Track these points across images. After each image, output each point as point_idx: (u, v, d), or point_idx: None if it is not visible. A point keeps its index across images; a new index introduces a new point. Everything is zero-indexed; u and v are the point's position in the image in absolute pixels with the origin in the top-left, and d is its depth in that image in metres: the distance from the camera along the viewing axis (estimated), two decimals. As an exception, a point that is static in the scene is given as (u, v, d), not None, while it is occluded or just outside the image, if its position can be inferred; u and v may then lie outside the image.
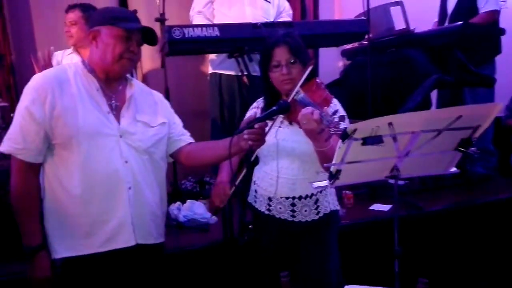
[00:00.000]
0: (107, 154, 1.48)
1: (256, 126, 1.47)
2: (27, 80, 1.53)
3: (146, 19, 3.41)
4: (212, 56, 3.23)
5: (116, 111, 1.53)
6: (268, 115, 1.51)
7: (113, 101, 1.54)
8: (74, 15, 2.62)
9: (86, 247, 1.48)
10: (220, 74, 3.17)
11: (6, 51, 3.25)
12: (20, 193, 1.46)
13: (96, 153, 1.46)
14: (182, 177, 3.40)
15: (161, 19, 2.90)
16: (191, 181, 3.45)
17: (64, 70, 1.52)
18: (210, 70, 3.26)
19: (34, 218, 1.47)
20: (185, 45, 2.59)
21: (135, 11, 2.60)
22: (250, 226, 1.52)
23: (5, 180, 2.08)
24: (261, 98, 1.81)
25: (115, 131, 1.51)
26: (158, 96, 1.74)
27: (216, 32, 2.57)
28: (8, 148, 1.46)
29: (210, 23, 3.01)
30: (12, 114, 1.98)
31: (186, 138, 1.74)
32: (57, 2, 3.34)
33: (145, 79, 3.66)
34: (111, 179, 1.48)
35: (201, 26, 2.57)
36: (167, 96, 3.03)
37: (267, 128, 1.49)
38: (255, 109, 1.80)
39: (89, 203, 1.47)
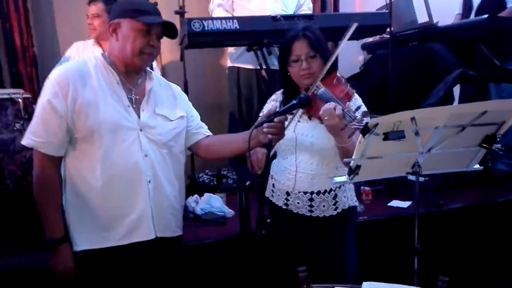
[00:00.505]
0: (127, 147, 1.48)
1: (275, 119, 1.47)
2: (49, 72, 1.55)
3: (165, 12, 3.40)
4: (230, 50, 3.22)
5: (135, 104, 1.54)
6: (288, 108, 1.50)
7: (132, 95, 1.54)
8: (96, 7, 2.63)
9: (107, 240, 1.49)
10: (238, 67, 3.16)
11: (28, 43, 3.30)
12: (42, 186, 1.48)
13: (117, 147, 1.47)
14: (200, 170, 3.42)
15: (181, 12, 2.90)
16: (208, 175, 3.47)
17: (85, 63, 1.53)
18: (229, 64, 3.25)
19: (56, 211, 1.49)
20: (204, 37, 2.59)
21: (155, 4, 2.62)
22: (268, 220, 1.51)
23: (27, 170, 2.15)
24: (279, 91, 1.79)
25: (135, 124, 1.51)
26: (177, 89, 1.73)
27: (235, 25, 2.55)
28: (30, 142, 1.47)
29: (229, 15, 3.00)
30: (34, 106, 2.02)
31: (204, 131, 1.74)
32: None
33: (164, 72, 3.68)
34: (131, 173, 1.49)
35: (221, 18, 2.56)
36: (185, 89, 3.05)
37: (286, 122, 1.48)
38: (273, 101, 1.78)
39: (109, 196, 1.48)
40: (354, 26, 1.46)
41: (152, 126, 1.54)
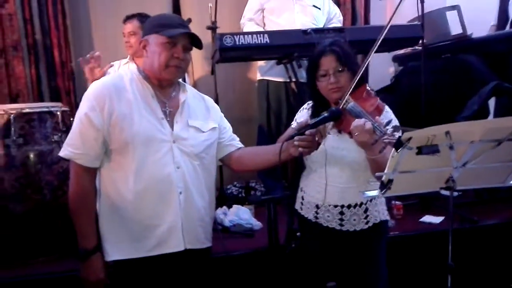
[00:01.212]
0: (160, 159, 1.50)
1: (306, 133, 1.47)
2: (85, 86, 1.61)
3: (198, 27, 3.50)
4: (260, 63, 3.26)
5: (169, 117, 1.56)
6: (319, 122, 1.50)
7: (166, 107, 1.57)
8: (132, 25, 2.71)
9: (137, 250, 1.51)
10: (268, 80, 3.19)
11: (67, 59, 3.44)
12: (78, 197, 1.51)
13: (150, 158, 1.49)
14: (228, 182, 3.44)
15: (213, 27, 2.96)
16: (236, 186, 3.49)
17: (121, 77, 1.57)
18: (258, 77, 3.29)
19: (90, 221, 1.52)
20: (235, 52, 2.63)
21: (189, 20, 2.69)
22: (298, 234, 1.50)
23: (64, 180, 2.22)
24: (310, 102, 1.79)
25: (168, 136, 1.53)
26: (209, 101, 1.76)
27: (266, 39, 2.58)
28: (68, 153, 1.50)
29: (261, 29, 3.04)
30: (72, 118, 2.09)
31: (236, 143, 1.76)
32: (116, 11, 3.50)
33: (196, 85, 3.75)
34: (163, 184, 1.51)
35: (252, 33, 2.60)
36: (216, 102, 3.09)
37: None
38: (305, 110, 1.78)
39: (141, 207, 1.50)
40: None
41: (185, 137, 1.56)
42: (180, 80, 1.68)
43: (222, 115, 1.78)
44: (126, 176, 1.49)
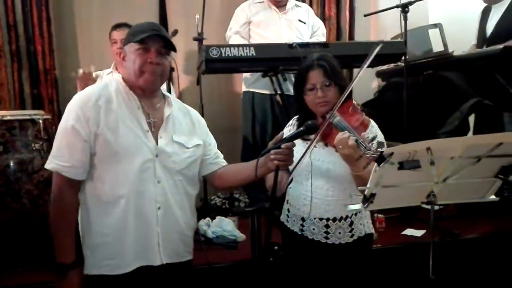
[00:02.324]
0: (141, 173, 1.47)
1: (282, 146, 1.47)
2: (69, 94, 1.59)
3: (185, 38, 3.54)
4: (246, 75, 3.28)
5: (154, 128, 1.53)
6: (294, 136, 1.50)
7: (151, 118, 1.53)
8: (121, 34, 2.70)
9: (113, 268, 1.47)
10: (253, 92, 3.21)
11: (50, 66, 3.40)
12: (60, 211, 1.46)
13: (132, 172, 1.46)
14: (212, 193, 3.43)
15: (199, 38, 2.97)
16: (220, 197, 3.47)
17: (105, 87, 1.53)
18: (244, 89, 3.30)
19: (70, 236, 1.47)
20: (221, 64, 2.64)
21: (175, 31, 2.70)
22: (275, 247, 1.50)
23: (44, 189, 2.18)
24: (296, 116, 1.80)
25: (152, 150, 1.50)
26: (196, 115, 1.73)
27: (252, 52, 2.60)
28: (55, 166, 1.45)
29: (246, 43, 3.06)
30: (54, 127, 2.06)
31: (220, 161, 1.74)
32: (101, 20, 3.49)
33: (181, 95, 3.74)
34: (142, 199, 1.47)
35: (238, 46, 2.62)
36: (201, 113, 3.10)
37: (303, 149, 1.48)
38: (290, 126, 1.80)
39: (119, 221, 1.46)
40: (378, 47, 1.46)
41: (169, 153, 1.53)
42: (165, 92, 1.65)
43: (208, 130, 1.75)
44: (106, 188, 1.45)
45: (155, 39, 1.49)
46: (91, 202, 1.49)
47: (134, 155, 1.46)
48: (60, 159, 1.45)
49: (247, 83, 3.26)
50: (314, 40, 3.23)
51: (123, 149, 1.44)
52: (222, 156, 1.77)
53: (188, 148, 1.59)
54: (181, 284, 1.62)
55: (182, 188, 1.57)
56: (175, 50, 1.56)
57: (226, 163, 1.76)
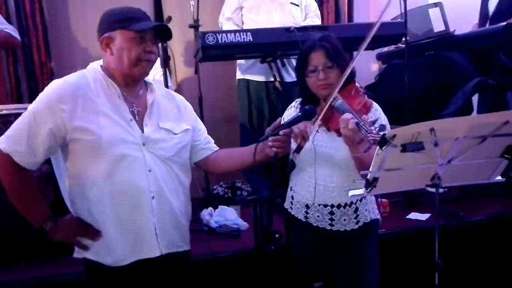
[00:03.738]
0: (130, 163, 1.42)
1: (280, 133, 1.44)
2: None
3: (180, 25, 3.48)
4: (240, 61, 3.23)
5: (138, 117, 1.48)
6: (292, 122, 1.46)
7: (134, 107, 1.48)
8: None
9: (111, 258, 1.45)
10: (248, 80, 3.17)
11: (46, 59, 3.37)
12: (17, 190, 1.42)
13: (119, 162, 1.41)
14: (214, 182, 3.41)
15: (195, 25, 2.92)
16: (222, 187, 3.46)
17: (83, 76, 1.47)
18: (238, 76, 3.26)
19: (38, 201, 1.46)
20: (218, 50, 2.60)
21: (169, 18, 2.65)
22: (277, 235, 1.47)
23: (43, 184, 2.16)
24: (298, 99, 1.76)
25: (138, 139, 1.45)
26: (181, 100, 1.67)
27: (249, 37, 2.56)
28: (7, 147, 1.37)
29: (239, 29, 3.02)
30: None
31: (212, 146, 1.70)
32: (95, 10, 3.41)
33: (179, 85, 3.71)
34: (135, 189, 1.43)
35: (234, 31, 2.58)
36: (200, 102, 3.07)
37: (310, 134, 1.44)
38: (293, 108, 1.75)
39: (112, 213, 1.43)
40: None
41: (156, 140, 1.48)
42: (148, 79, 1.59)
43: (196, 115, 1.70)
44: (95, 181, 1.40)
45: (149, 28, 1.45)
46: (79, 196, 1.44)
47: (119, 146, 1.41)
48: (15, 142, 1.37)
49: (242, 69, 3.21)
50: (308, 22, 3.17)
51: (105, 141, 1.38)
52: (213, 141, 1.73)
53: (176, 134, 1.54)
54: (179, 275, 1.59)
55: (174, 176, 1.53)
56: (168, 39, 1.53)
57: (218, 148, 1.72)
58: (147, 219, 1.46)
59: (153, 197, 1.46)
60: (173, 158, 1.52)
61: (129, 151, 1.43)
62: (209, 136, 1.72)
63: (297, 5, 3.16)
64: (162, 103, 1.57)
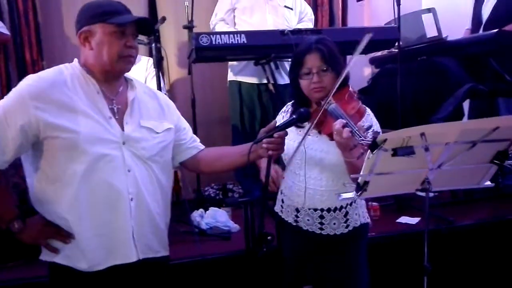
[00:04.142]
0: (109, 162, 1.36)
1: (275, 135, 1.43)
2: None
3: (174, 26, 3.48)
4: (231, 63, 3.22)
5: (118, 115, 1.41)
6: (287, 124, 1.45)
7: (114, 104, 1.42)
8: None
9: (85, 262, 1.37)
10: (240, 82, 3.17)
11: (38, 57, 3.34)
12: None
13: (97, 162, 1.34)
14: (205, 184, 3.40)
15: (189, 26, 2.92)
16: (214, 188, 3.45)
17: (60, 72, 1.39)
18: (230, 77, 3.25)
19: (5, 201, 1.40)
20: (212, 52, 2.60)
21: (163, 18, 2.64)
22: (269, 238, 1.47)
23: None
24: (291, 102, 1.75)
25: (118, 137, 1.38)
26: (164, 98, 1.62)
27: (243, 39, 2.56)
28: None
29: (232, 29, 3.01)
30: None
31: (198, 144, 1.66)
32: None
33: (172, 86, 3.70)
34: (112, 190, 1.36)
35: (228, 33, 2.57)
36: (193, 102, 3.07)
37: (299, 137, 1.45)
38: (284, 113, 1.75)
39: (87, 215, 1.35)
40: (367, 38, 1.41)
41: (137, 139, 1.41)
42: (128, 75, 1.53)
43: (179, 114, 1.64)
44: (70, 181, 1.33)
45: (131, 22, 1.39)
46: (52, 195, 1.36)
47: (97, 144, 1.34)
48: None
49: (234, 71, 3.20)
50: (301, 26, 3.17)
51: (82, 139, 1.32)
52: (198, 140, 1.69)
53: (158, 133, 1.48)
54: (157, 281, 1.52)
55: (154, 178, 1.46)
56: (149, 34, 1.47)
57: (204, 147, 1.68)
58: (125, 222, 1.39)
59: (131, 199, 1.39)
60: (154, 158, 1.46)
61: (108, 150, 1.36)
62: (194, 135, 1.68)
63: (291, 9, 3.17)
64: (143, 100, 1.51)
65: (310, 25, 3.27)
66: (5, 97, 1.34)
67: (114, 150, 1.37)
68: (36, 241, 1.41)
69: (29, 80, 1.35)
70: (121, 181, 1.37)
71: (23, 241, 1.40)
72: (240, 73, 3.16)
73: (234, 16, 3.13)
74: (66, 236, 1.36)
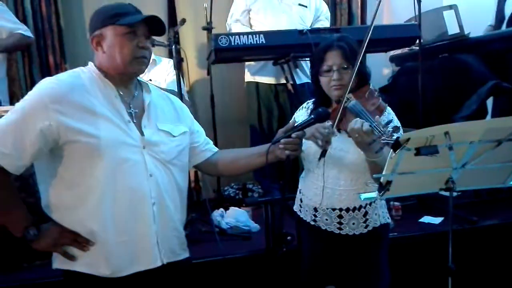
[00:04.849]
0: (131, 167, 1.34)
1: (293, 135, 1.43)
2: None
3: (194, 28, 3.51)
4: (248, 64, 3.23)
5: (136, 119, 1.40)
6: (305, 124, 1.45)
7: (131, 108, 1.40)
8: None
9: (107, 268, 1.34)
10: (258, 82, 3.17)
11: (61, 60, 3.41)
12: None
13: (120, 167, 1.32)
14: (225, 184, 3.42)
15: (208, 28, 2.94)
16: (233, 188, 3.46)
17: (78, 76, 1.38)
18: (247, 78, 3.25)
19: (19, 208, 1.35)
20: (231, 53, 2.61)
21: (183, 20, 2.66)
22: (288, 238, 1.46)
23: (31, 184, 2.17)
24: (311, 100, 1.75)
25: (138, 141, 1.37)
26: (177, 102, 1.61)
27: (261, 40, 2.57)
28: None
29: (248, 30, 3.02)
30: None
31: (211, 147, 1.65)
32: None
33: (192, 87, 3.73)
34: (136, 195, 1.34)
35: (247, 34, 2.59)
36: (211, 103, 3.09)
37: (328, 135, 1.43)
38: (304, 109, 1.74)
39: (110, 221, 1.33)
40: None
41: (156, 143, 1.40)
42: (140, 78, 1.52)
43: (192, 117, 1.64)
44: (92, 187, 1.30)
45: (141, 22, 1.36)
46: (74, 204, 1.32)
47: (119, 149, 1.32)
48: (0, 143, 1.26)
49: (251, 71, 3.21)
50: (318, 25, 3.16)
51: (104, 143, 1.29)
52: (211, 142, 1.68)
53: (174, 136, 1.47)
54: (180, 285, 1.51)
55: (173, 181, 1.45)
56: (161, 35, 1.45)
57: (217, 149, 1.67)
58: (149, 227, 1.37)
59: (154, 204, 1.38)
60: (173, 161, 1.45)
61: (130, 154, 1.34)
62: (207, 138, 1.67)
63: (305, 6, 3.15)
64: (158, 104, 1.50)
65: (326, 23, 3.25)
66: (22, 100, 1.31)
67: (135, 155, 1.35)
68: (52, 249, 1.37)
69: (48, 83, 1.32)
70: (143, 185, 1.36)
71: (38, 249, 1.36)
72: (257, 74, 3.16)
73: (249, 17, 3.13)
74: (84, 243, 1.33)
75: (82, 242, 1.33)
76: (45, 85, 1.32)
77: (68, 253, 1.35)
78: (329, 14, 3.36)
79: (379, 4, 1.43)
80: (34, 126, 1.25)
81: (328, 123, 1.46)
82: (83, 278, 1.35)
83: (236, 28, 3.11)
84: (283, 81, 3.05)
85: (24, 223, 1.33)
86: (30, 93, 1.32)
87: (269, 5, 3.10)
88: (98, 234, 1.33)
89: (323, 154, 1.51)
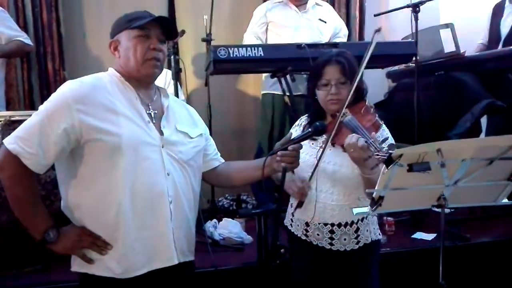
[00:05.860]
0: (150, 165, 1.39)
1: (289, 148, 1.44)
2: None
3: (193, 39, 3.54)
4: (265, 77, 3.23)
5: (155, 120, 1.46)
6: (302, 137, 1.47)
7: (150, 110, 1.46)
8: None
9: (124, 266, 1.36)
10: (273, 94, 3.16)
11: (60, 67, 3.42)
12: (22, 196, 1.34)
13: (139, 165, 1.36)
14: (219, 194, 3.42)
15: (208, 39, 2.97)
16: (228, 199, 3.46)
17: (99, 79, 1.44)
18: (263, 91, 3.25)
19: (41, 209, 1.37)
20: (229, 64, 2.63)
21: (183, 31, 2.69)
22: (282, 250, 1.47)
23: (50, 190, 2.18)
24: (304, 116, 1.77)
25: (157, 141, 1.42)
26: (191, 108, 1.69)
27: (260, 52, 2.58)
28: (17, 148, 1.29)
29: (256, 43, 3.04)
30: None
31: (219, 157, 1.71)
32: (111, 20, 3.48)
33: (189, 97, 3.75)
34: (154, 193, 1.39)
35: (246, 46, 2.60)
36: (209, 113, 3.10)
37: (315, 151, 1.45)
38: (297, 127, 1.76)
39: (131, 218, 1.36)
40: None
41: (174, 142, 1.46)
42: (164, 86, 1.62)
43: (205, 125, 1.70)
44: (111, 184, 1.34)
45: (154, 26, 1.43)
46: (94, 200, 1.36)
47: (139, 148, 1.37)
48: (25, 143, 1.30)
49: (267, 85, 3.20)
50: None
51: (125, 142, 1.34)
52: (219, 153, 1.74)
53: (192, 138, 1.53)
54: (190, 284, 1.56)
55: (189, 181, 1.50)
56: (175, 38, 1.51)
57: (224, 161, 1.72)
58: (166, 225, 1.41)
59: (171, 202, 1.42)
60: (190, 162, 1.50)
61: (149, 153, 1.39)
62: (216, 148, 1.73)
63: (325, 22, 3.18)
64: (175, 108, 1.57)
65: (344, 40, 3.28)
66: (46, 101, 1.36)
67: (154, 153, 1.40)
68: (72, 252, 1.39)
69: (71, 85, 1.38)
70: (161, 184, 1.40)
71: (57, 252, 1.38)
72: (272, 87, 3.13)
73: (267, 29, 3.15)
74: (103, 246, 1.36)
75: (101, 245, 1.36)
76: (68, 86, 1.37)
77: (86, 256, 1.38)
78: (347, 32, 3.40)
79: (373, 35, 1.45)
80: (58, 126, 1.30)
81: (306, 181, 1.53)
82: (100, 280, 1.37)
83: (248, 39, 3.14)
84: (299, 92, 3.04)
85: (44, 225, 1.36)
86: (53, 94, 1.37)
87: (289, 18, 3.12)
88: (116, 232, 1.36)
89: (299, 205, 1.57)
